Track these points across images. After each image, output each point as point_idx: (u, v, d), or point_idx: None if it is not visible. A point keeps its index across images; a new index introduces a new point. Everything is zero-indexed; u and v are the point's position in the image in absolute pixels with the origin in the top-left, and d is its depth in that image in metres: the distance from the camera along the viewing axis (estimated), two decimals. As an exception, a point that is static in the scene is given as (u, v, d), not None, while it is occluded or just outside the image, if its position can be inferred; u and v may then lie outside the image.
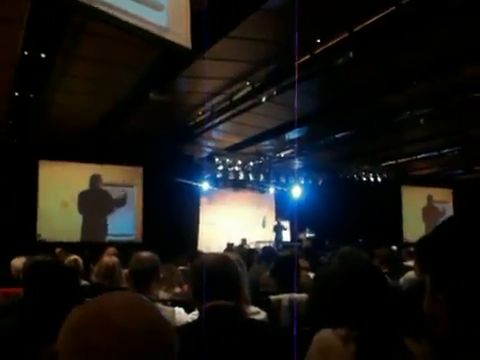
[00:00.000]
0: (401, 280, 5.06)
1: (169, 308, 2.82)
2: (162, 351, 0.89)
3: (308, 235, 16.62)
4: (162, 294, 4.25)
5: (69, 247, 9.44)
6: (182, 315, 2.80)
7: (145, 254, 2.98)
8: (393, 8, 6.36)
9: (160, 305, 2.75)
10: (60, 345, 0.89)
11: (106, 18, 3.50)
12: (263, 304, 3.40)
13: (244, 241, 15.55)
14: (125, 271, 4.00)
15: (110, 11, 3.37)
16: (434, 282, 1.06)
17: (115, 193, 14.98)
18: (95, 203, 14.75)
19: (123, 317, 0.88)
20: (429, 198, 20.43)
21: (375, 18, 6.69)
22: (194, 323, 2.07)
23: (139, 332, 0.87)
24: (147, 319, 0.91)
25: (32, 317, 1.84)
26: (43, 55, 7.33)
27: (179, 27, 3.89)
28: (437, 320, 1.05)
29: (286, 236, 17.81)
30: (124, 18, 3.46)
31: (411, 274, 4.99)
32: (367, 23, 6.83)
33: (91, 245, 11.50)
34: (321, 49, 7.64)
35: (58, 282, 1.92)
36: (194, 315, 2.63)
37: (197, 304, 2.06)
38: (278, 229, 17.14)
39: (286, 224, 17.69)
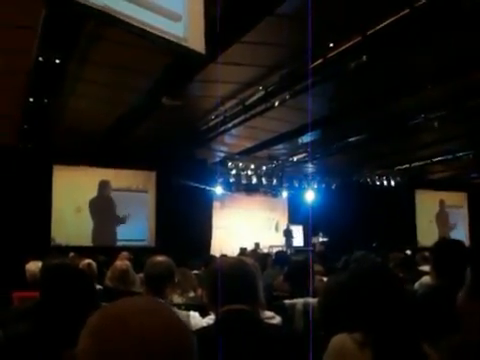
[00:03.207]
0: (416, 285, 5.02)
1: (184, 312, 2.82)
2: (181, 356, 0.89)
3: (321, 239, 16.56)
4: (176, 298, 4.25)
5: (82, 252, 9.48)
6: (197, 319, 2.79)
7: (160, 258, 2.98)
8: (407, 11, 6.33)
9: (175, 309, 2.74)
10: (80, 349, 0.89)
11: (123, 26, 3.52)
12: (277, 309, 3.39)
13: (257, 245, 15.52)
14: (139, 275, 4.02)
15: (129, 21, 3.39)
16: (476, 281, 1.05)
17: (121, 208, 14.98)
18: (104, 209, 14.79)
19: (142, 322, 0.88)
20: (441, 203, 20.26)
21: (388, 21, 6.65)
22: (210, 327, 2.06)
23: (158, 337, 0.87)
24: (166, 324, 0.91)
25: (49, 321, 1.85)
26: (57, 61, 7.38)
27: (195, 36, 3.91)
28: (472, 319, 1.04)
29: (299, 240, 17.76)
30: (141, 28, 3.48)
31: (427, 279, 4.94)
32: (380, 26, 6.80)
33: (103, 250, 11.54)
34: (334, 53, 7.62)
35: (75, 286, 1.93)
36: (209, 319, 2.63)
37: (213, 308, 2.06)
38: (288, 233, 17.10)
39: (297, 228, 17.64)
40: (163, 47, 4.22)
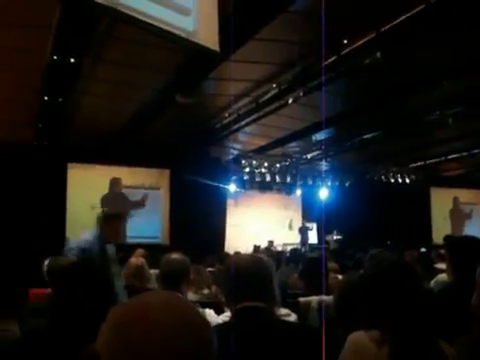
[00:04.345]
0: (432, 283, 4.99)
1: (199, 310, 2.82)
2: (201, 351, 0.90)
3: (335, 237, 16.50)
4: (191, 296, 4.26)
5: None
6: (212, 317, 2.80)
7: (175, 256, 2.99)
8: (422, 6, 6.27)
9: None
10: (101, 344, 0.90)
11: (133, 22, 3.53)
12: (292, 306, 3.38)
13: (271, 243, 15.50)
14: (153, 271, 4.03)
15: (137, 16, 3.39)
16: None
17: (135, 195, 15.06)
18: (115, 206, 14.82)
19: (163, 316, 0.89)
20: (455, 200, 20.09)
21: (403, 17, 6.60)
22: (226, 324, 2.06)
23: (179, 332, 0.88)
24: (187, 319, 0.91)
25: (65, 317, 1.86)
26: (72, 60, 7.42)
27: (206, 31, 3.89)
28: None
29: (312, 238, 17.70)
30: (151, 22, 3.48)
31: (443, 276, 4.91)
32: (395, 22, 6.74)
33: (119, 247, 11.58)
34: (348, 50, 7.58)
35: (92, 282, 1.93)
36: (224, 317, 2.63)
37: (229, 305, 2.05)
38: (303, 231, 17.05)
39: (312, 225, 17.59)
40: (177, 43, 4.19)
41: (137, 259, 4.24)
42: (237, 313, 1.97)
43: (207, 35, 3.90)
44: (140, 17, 3.41)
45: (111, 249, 4.58)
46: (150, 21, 3.46)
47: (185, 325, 0.90)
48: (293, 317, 2.82)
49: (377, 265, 2.17)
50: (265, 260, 2.15)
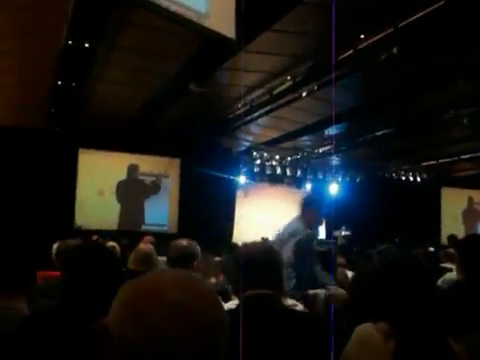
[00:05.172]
0: (440, 281, 4.97)
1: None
2: (215, 330, 0.89)
3: (344, 233, 16.47)
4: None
5: (105, 235, 9.57)
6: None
7: (184, 242, 2.99)
8: (441, 3, 6.19)
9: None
10: (113, 319, 0.89)
11: (146, 4, 3.51)
12: (299, 297, 3.38)
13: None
14: (161, 259, 4.03)
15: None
16: None
17: (149, 180, 15.15)
18: (132, 192, 14.93)
19: (176, 293, 0.88)
20: (470, 200, 19.96)
21: (422, 13, 6.52)
22: (233, 310, 2.06)
23: (192, 309, 0.87)
24: (202, 297, 0.91)
25: (74, 297, 1.86)
26: (87, 45, 7.42)
27: (220, 14, 3.86)
28: None
29: (321, 233, 17.67)
30: (164, 3, 3.46)
31: (451, 275, 4.89)
32: (413, 18, 6.67)
33: (127, 234, 11.65)
34: (364, 44, 7.52)
35: (99, 264, 1.94)
36: (231, 305, 2.62)
37: (237, 292, 2.05)
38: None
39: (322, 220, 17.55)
40: (191, 29, 4.15)
41: (146, 245, 4.25)
42: (244, 301, 1.96)
43: (221, 19, 3.87)
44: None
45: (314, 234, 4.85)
46: (162, 1, 3.43)
47: (200, 303, 0.89)
48: (300, 307, 2.81)
49: (387, 259, 2.16)
50: (274, 249, 2.15)
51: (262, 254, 2.03)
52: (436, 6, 6.24)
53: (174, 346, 0.84)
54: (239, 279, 2.02)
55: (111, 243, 5.25)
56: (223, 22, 3.89)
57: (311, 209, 5.04)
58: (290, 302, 2.69)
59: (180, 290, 0.89)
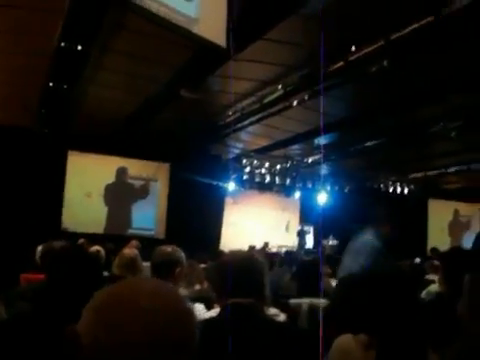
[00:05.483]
0: (424, 293, 5.00)
1: (188, 303, 2.81)
2: (185, 341, 0.90)
3: (331, 242, 16.51)
4: (182, 290, 4.26)
5: (92, 238, 9.53)
6: (201, 311, 2.79)
7: (168, 248, 2.99)
8: (431, 18, 6.26)
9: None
10: (82, 325, 0.89)
11: (136, 9, 3.52)
12: (282, 307, 3.38)
13: (266, 244, 15.51)
14: (146, 264, 4.02)
15: (145, 2, 3.39)
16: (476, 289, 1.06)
17: (138, 183, 15.12)
18: (120, 196, 14.90)
19: (149, 302, 0.89)
20: (456, 212, 20.13)
21: (412, 27, 6.59)
22: (214, 319, 2.06)
23: (164, 319, 0.88)
24: (173, 307, 0.91)
25: (52, 300, 1.86)
26: (79, 47, 7.41)
27: (210, 20, 3.88)
28: (472, 326, 1.05)
29: (310, 242, 17.72)
30: (154, 8, 3.47)
31: (434, 287, 4.93)
32: (404, 32, 6.73)
33: (114, 238, 11.61)
34: (356, 56, 7.57)
35: (80, 268, 1.93)
36: (214, 312, 2.63)
37: (219, 300, 2.05)
38: (302, 234, 17.06)
39: (309, 229, 17.60)
40: (182, 35, 4.15)
41: (131, 250, 4.24)
42: (226, 309, 1.97)
43: (211, 26, 3.89)
44: (144, 3, 3.40)
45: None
46: (153, 4, 3.44)
47: (171, 313, 0.90)
48: (282, 317, 2.82)
49: (371, 270, 2.18)
50: (257, 258, 2.15)
51: (244, 262, 2.03)
52: (427, 21, 6.30)
53: (144, 353, 0.84)
54: (220, 286, 2.03)
55: (96, 247, 5.23)
56: (213, 29, 3.91)
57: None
58: (272, 311, 2.69)
59: (154, 300, 0.89)
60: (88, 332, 0.87)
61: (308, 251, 15.91)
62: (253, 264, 2.06)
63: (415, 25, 6.51)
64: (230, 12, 3.96)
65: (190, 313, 0.95)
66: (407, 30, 6.66)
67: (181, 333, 0.89)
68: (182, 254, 2.99)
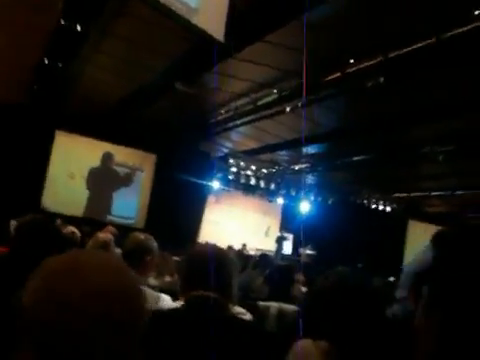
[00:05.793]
0: (390, 311, 5.01)
1: (155, 293, 2.79)
2: (127, 320, 0.88)
3: (308, 252, 16.55)
4: (152, 280, 4.24)
5: (70, 220, 9.45)
6: (166, 302, 2.76)
7: (141, 235, 2.96)
8: (431, 40, 6.30)
9: (147, 289, 2.72)
10: (28, 292, 0.87)
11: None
12: (250, 308, 3.37)
13: (244, 246, 15.51)
14: (119, 250, 3.99)
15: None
16: (431, 299, 1.06)
17: (123, 171, 15.04)
18: (103, 181, 14.79)
19: (95, 273, 0.87)
20: (433, 236, 20.29)
21: (412, 48, 6.63)
22: (175, 310, 2.04)
23: (110, 295, 0.86)
24: (120, 284, 0.90)
25: (14, 271, 1.84)
26: (79, 28, 7.36)
27: (210, 14, 3.86)
28: (427, 337, 1.05)
29: (287, 249, 17.74)
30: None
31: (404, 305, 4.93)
32: (403, 51, 6.78)
33: (92, 222, 11.53)
34: (353, 69, 7.60)
35: (44, 242, 1.90)
36: (179, 303, 2.61)
37: (184, 292, 2.03)
38: (280, 240, 17.09)
39: (288, 236, 17.64)
40: (181, 24, 4.12)
41: (105, 235, 4.21)
42: (189, 301, 1.95)
43: (211, 19, 3.87)
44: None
45: None
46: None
47: (117, 290, 0.88)
48: (248, 316, 2.80)
49: (337, 279, 2.17)
50: (226, 253, 2.14)
51: (211, 255, 2.01)
52: (426, 43, 6.35)
53: (84, 326, 0.83)
54: (187, 277, 2.01)
55: (71, 228, 5.18)
56: (212, 21, 3.89)
57: None
58: (239, 310, 2.68)
59: (100, 272, 0.88)
60: (31, 299, 0.86)
61: (285, 257, 15.94)
62: (221, 258, 2.04)
63: (414, 46, 6.57)
64: (231, 8, 3.95)
65: (138, 293, 0.93)
66: (405, 50, 6.71)
67: (126, 313, 0.87)
68: (154, 243, 2.97)
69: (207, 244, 2.24)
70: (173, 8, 3.56)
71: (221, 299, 1.94)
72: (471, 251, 1.05)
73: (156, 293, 2.80)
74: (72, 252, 0.95)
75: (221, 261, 2.02)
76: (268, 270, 5.14)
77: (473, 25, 5.79)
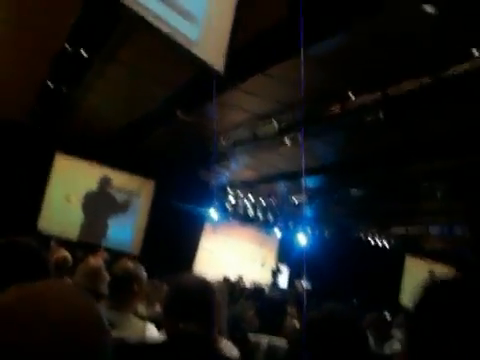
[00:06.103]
0: (387, 347, 4.97)
1: (141, 322, 2.76)
2: (92, 353, 0.85)
3: (304, 285, 16.40)
4: (142, 309, 4.19)
5: (65, 244, 9.40)
6: (153, 331, 2.73)
7: (129, 263, 2.95)
8: (431, 79, 6.37)
9: (133, 318, 2.69)
10: None
11: (139, 19, 3.55)
12: (240, 341, 3.33)
13: (241, 278, 15.40)
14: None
15: (148, 17, 3.42)
16: (413, 343, 1.07)
17: (120, 197, 14.98)
18: (99, 205, 14.73)
19: (59, 312, 0.84)
20: (430, 273, 20.13)
21: (411, 86, 6.69)
22: (157, 344, 2.00)
23: (73, 330, 0.84)
24: (84, 319, 0.87)
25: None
26: (84, 53, 7.43)
27: (211, 46, 3.90)
28: None
29: (283, 282, 17.62)
30: (157, 24, 3.50)
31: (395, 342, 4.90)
32: (403, 88, 6.84)
33: (87, 246, 11.47)
34: (352, 104, 7.66)
35: (15, 264, 1.87)
36: (161, 336, 2.57)
37: (166, 324, 1.99)
38: (276, 273, 16.99)
39: (284, 269, 17.52)
40: (181, 54, 4.16)
41: (96, 260, 4.18)
42: (171, 334, 1.91)
43: (211, 51, 3.91)
44: (146, 15, 3.43)
45: None
46: (155, 21, 3.48)
47: (82, 325, 0.85)
48: (235, 352, 2.76)
49: (327, 315, 2.15)
50: (212, 285, 2.11)
51: (196, 287, 1.98)
52: (425, 81, 6.41)
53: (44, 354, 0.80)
54: (169, 309, 1.98)
55: (64, 253, 5.14)
56: (213, 53, 3.93)
57: None
58: (225, 344, 2.64)
59: (64, 309, 0.86)
60: None
61: (279, 290, 15.81)
62: (206, 289, 2.01)
63: (415, 83, 6.63)
64: (232, 41, 4.00)
65: (99, 328, 0.90)
66: (406, 87, 6.77)
67: (84, 348, 0.85)
68: (143, 272, 2.94)
69: (193, 275, 2.21)
70: (174, 38, 3.61)
71: (207, 334, 1.91)
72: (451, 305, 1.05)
73: (142, 322, 2.76)
74: (38, 284, 0.92)
75: (204, 291, 1.98)
76: (259, 302, 5.10)
77: (472, 63, 5.86)
